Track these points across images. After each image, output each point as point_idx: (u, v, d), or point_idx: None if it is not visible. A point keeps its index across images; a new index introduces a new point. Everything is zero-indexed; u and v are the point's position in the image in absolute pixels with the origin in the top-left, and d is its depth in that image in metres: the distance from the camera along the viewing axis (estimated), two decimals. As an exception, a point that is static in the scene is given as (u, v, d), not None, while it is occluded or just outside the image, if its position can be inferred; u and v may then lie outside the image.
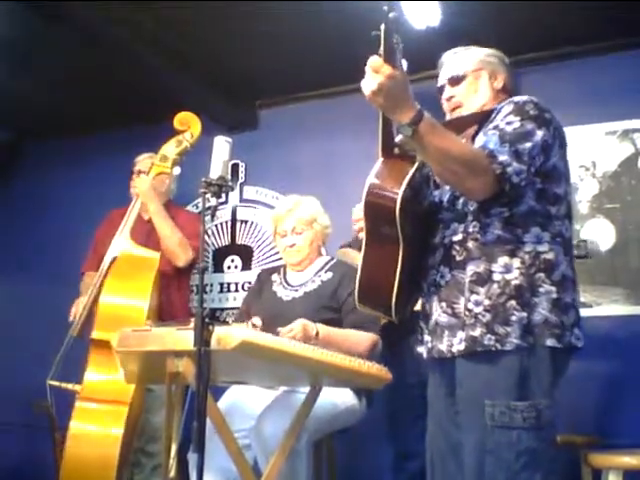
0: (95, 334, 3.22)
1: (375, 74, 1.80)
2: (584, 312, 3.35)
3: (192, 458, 2.79)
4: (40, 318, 4.66)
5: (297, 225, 3.24)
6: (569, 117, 3.90)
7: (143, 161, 4.01)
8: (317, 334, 2.81)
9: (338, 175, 4.41)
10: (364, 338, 2.98)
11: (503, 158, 1.95)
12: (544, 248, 2.03)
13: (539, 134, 2.02)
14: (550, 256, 2.02)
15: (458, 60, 2.32)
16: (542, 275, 2.01)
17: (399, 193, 2.00)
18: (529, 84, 4.01)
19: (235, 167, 4.66)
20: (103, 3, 3.41)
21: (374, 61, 1.80)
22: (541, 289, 2.00)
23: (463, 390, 2.06)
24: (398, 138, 1.94)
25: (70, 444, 3.09)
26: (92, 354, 3.24)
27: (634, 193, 3.83)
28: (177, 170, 3.68)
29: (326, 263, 3.25)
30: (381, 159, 2.10)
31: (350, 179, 4.32)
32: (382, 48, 1.79)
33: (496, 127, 2.03)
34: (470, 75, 2.28)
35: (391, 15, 1.76)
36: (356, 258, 3.41)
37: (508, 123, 2.03)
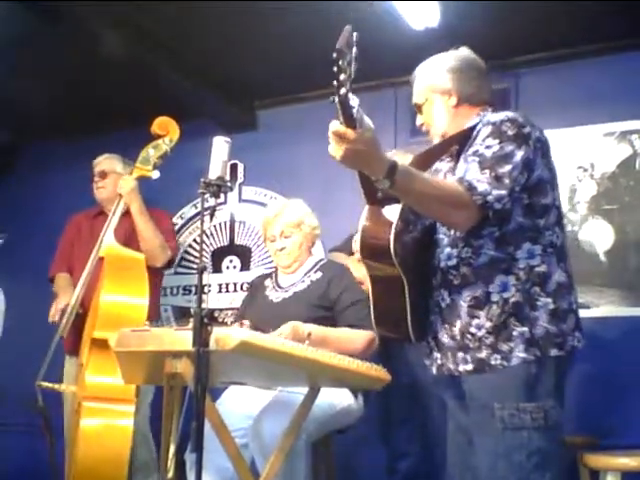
0: (97, 333, 3.21)
1: (340, 140, 1.85)
2: (581, 313, 3.35)
3: (189, 458, 2.80)
4: (36, 319, 4.65)
5: (285, 229, 3.26)
6: (567, 118, 3.94)
7: (103, 162, 4.02)
8: (309, 335, 2.81)
9: (337, 176, 4.38)
10: (359, 336, 2.97)
11: (483, 188, 1.98)
12: (536, 262, 2.07)
13: (519, 154, 2.04)
14: (543, 269, 2.07)
15: (416, 87, 2.37)
16: (537, 289, 2.05)
17: (392, 231, 2.06)
18: (527, 86, 4.03)
19: (234, 167, 4.66)
20: (102, 3, 3.41)
21: (336, 128, 1.86)
22: (538, 303, 2.05)
23: (473, 397, 2.11)
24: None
25: (82, 443, 3.09)
26: (92, 353, 3.23)
27: (632, 194, 3.83)
28: (156, 174, 3.70)
29: (316, 263, 3.26)
30: (367, 206, 2.17)
31: (348, 180, 4.35)
32: (341, 115, 1.84)
33: (475, 152, 2.06)
34: (425, 104, 2.33)
35: (342, 91, 1.81)
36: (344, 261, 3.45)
37: (487, 147, 2.05)
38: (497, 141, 2.05)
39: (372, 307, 2.23)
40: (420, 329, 2.20)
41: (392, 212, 2.14)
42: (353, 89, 4.24)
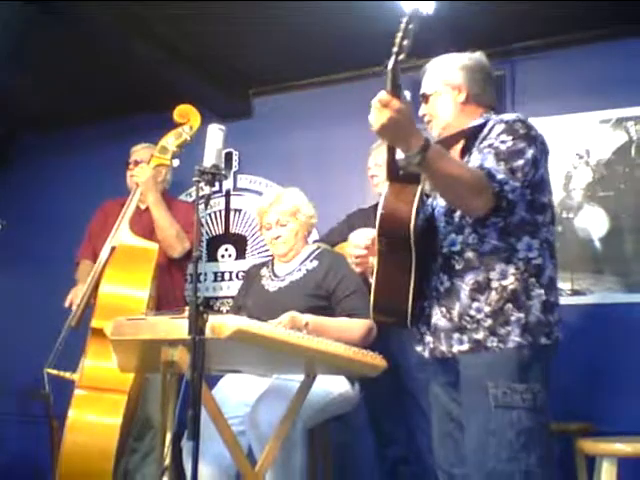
0: (94, 323, 3.22)
1: (384, 109, 1.89)
2: (578, 300, 3.36)
3: (186, 446, 2.80)
4: (37, 307, 4.66)
5: (281, 217, 3.26)
6: (563, 105, 3.93)
7: (140, 151, 4.01)
8: (307, 325, 2.82)
9: (332, 163, 4.41)
10: (358, 325, 2.99)
11: (500, 177, 2.09)
12: (534, 254, 2.18)
13: (530, 152, 2.16)
14: (539, 261, 2.18)
15: (426, 78, 2.46)
16: (533, 280, 2.16)
17: (412, 212, 2.12)
18: (523, 73, 4.02)
19: (229, 156, 4.65)
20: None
21: (383, 97, 1.89)
22: (533, 293, 2.15)
23: (467, 375, 2.18)
24: (402, 160, 2.07)
25: (69, 433, 3.10)
26: (91, 343, 3.24)
27: (627, 181, 3.83)
28: (176, 162, 3.69)
29: (312, 252, 3.26)
30: (388, 182, 2.21)
31: (344, 167, 4.37)
32: (389, 83, 1.89)
33: (491, 145, 2.17)
34: (434, 94, 2.41)
35: (401, 57, 1.87)
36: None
37: (502, 142, 2.16)
38: (510, 137, 2.16)
39: (373, 288, 2.24)
40: (416, 313, 2.24)
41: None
42: (348, 77, 4.28)
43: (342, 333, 2.87)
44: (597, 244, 3.81)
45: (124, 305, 3.22)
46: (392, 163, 2.15)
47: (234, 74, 4.44)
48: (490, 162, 2.11)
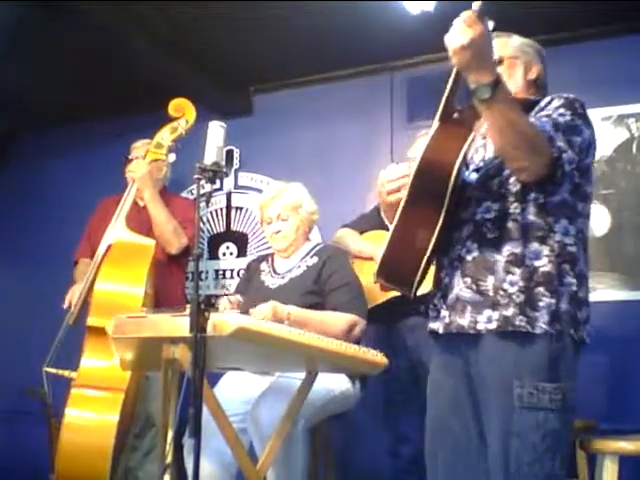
0: (91, 321, 3.21)
1: (468, 28, 1.80)
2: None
3: (187, 443, 2.80)
4: (37, 306, 4.66)
5: (282, 211, 3.24)
6: None
7: (139, 148, 3.98)
8: (289, 315, 2.79)
9: (333, 160, 4.41)
10: (340, 319, 2.95)
11: (561, 144, 1.97)
12: (570, 241, 2.04)
13: (586, 132, 2.06)
14: (574, 249, 2.04)
15: (505, 42, 2.32)
16: (567, 267, 2.02)
17: (457, 160, 1.98)
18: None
19: (230, 153, 4.65)
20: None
21: (468, 16, 1.81)
22: (565, 280, 2.01)
23: (491, 369, 2.04)
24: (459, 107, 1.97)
25: (65, 431, 3.09)
26: (88, 341, 3.23)
27: (629, 179, 3.83)
28: (172, 157, 3.67)
29: (312, 248, 3.25)
30: (438, 122, 2.05)
31: (345, 164, 4.37)
32: (479, 7, 1.80)
33: (549, 116, 2.05)
34: (506, 61, 2.28)
35: None
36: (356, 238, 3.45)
37: (560, 115, 2.05)
38: (569, 112, 2.06)
39: (386, 244, 2.07)
40: (420, 281, 2.09)
41: None
42: (349, 74, 4.24)
43: (324, 326, 2.82)
44: (599, 242, 3.80)
45: (119, 302, 3.20)
46: (450, 100, 2.00)
47: (234, 71, 4.43)
48: (549, 128, 1.99)
